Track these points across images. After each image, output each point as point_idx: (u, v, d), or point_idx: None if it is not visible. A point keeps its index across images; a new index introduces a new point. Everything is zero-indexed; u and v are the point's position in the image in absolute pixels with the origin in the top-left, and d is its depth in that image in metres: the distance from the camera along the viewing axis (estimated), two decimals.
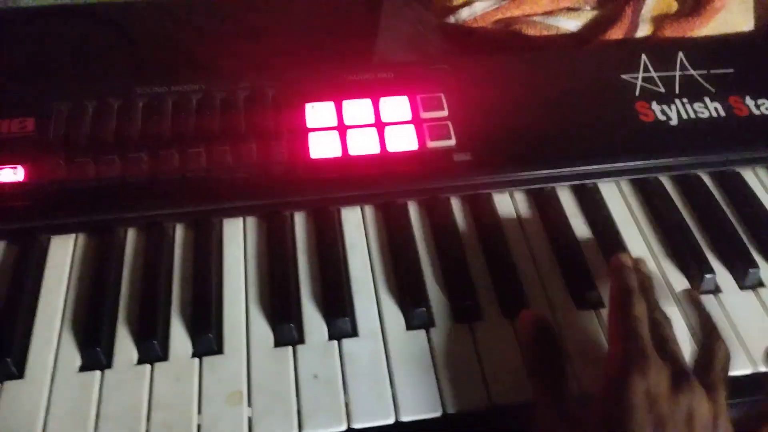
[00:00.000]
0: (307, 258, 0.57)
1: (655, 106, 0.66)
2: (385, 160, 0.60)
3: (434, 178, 0.60)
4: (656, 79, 0.68)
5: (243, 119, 0.62)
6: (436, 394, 0.50)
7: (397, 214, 0.60)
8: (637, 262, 0.55)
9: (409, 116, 0.63)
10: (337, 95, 0.63)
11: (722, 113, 0.66)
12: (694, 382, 0.44)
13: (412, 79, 0.65)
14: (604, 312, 0.55)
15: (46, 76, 0.68)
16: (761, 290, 0.57)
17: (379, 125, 0.62)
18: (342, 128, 0.61)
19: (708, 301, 0.56)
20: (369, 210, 0.61)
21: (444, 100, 0.64)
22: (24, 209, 0.56)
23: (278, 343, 0.52)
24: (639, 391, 0.43)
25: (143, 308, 0.53)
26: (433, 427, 0.49)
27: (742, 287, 0.58)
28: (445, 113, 0.63)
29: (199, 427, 0.48)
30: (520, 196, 0.63)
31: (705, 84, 0.68)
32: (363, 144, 0.61)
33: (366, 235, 0.59)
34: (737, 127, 0.65)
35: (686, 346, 0.52)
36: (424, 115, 0.63)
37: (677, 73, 0.69)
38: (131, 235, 0.58)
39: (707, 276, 0.57)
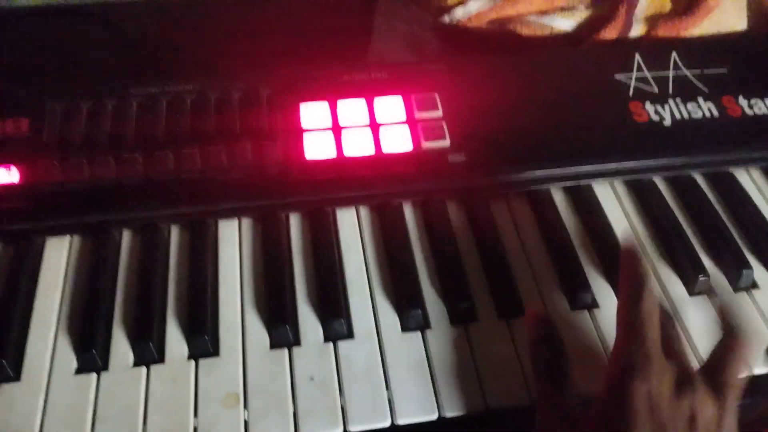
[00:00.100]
0: (302, 259, 0.57)
1: (648, 106, 0.66)
2: (379, 161, 0.60)
3: (429, 179, 0.60)
4: (650, 79, 0.68)
5: (237, 120, 0.61)
6: (432, 396, 0.50)
7: (392, 215, 0.60)
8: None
9: (403, 116, 0.63)
10: (332, 95, 0.63)
11: (716, 113, 0.66)
12: (697, 383, 0.44)
13: (407, 79, 0.65)
14: (598, 312, 0.55)
15: (40, 76, 0.67)
16: (755, 291, 0.58)
17: (374, 126, 0.62)
18: (337, 129, 0.61)
19: (702, 302, 0.56)
20: (364, 211, 0.61)
21: (438, 100, 0.64)
22: (19, 211, 0.56)
23: (274, 345, 0.52)
24: (640, 394, 0.42)
25: (139, 310, 0.53)
26: (429, 430, 0.49)
27: (735, 289, 0.58)
28: (439, 113, 0.63)
29: (195, 429, 0.48)
30: (514, 197, 0.63)
31: (698, 84, 0.68)
32: (358, 145, 0.61)
33: (361, 236, 0.59)
34: (731, 128, 0.65)
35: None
36: (419, 115, 0.63)
37: (671, 73, 0.69)
38: (126, 236, 0.58)
39: (701, 278, 0.57)
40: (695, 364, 0.48)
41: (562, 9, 0.77)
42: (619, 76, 0.69)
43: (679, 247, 0.59)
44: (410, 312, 0.53)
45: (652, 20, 0.75)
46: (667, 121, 0.65)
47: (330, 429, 0.48)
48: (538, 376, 0.49)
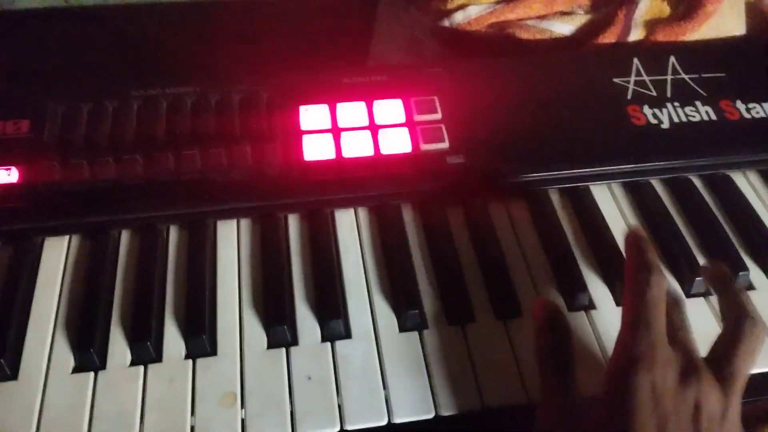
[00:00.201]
0: (300, 260, 0.57)
1: (646, 109, 0.66)
2: (378, 162, 0.61)
3: (427, 181, 0.61)
4: (648, 83, 0.69)
5: (237, 121, 0.62)
6: (429, 395, 0.50)
7: (390, 217, 0.60)
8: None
9: (402, 119, 0.63)
10: (331, 98, 0.64)
11: (713, 117, 0.66)
12: (703, 374, 0.44)
13: (406, 82, 0.66)
14: (596, 314, 0.55)
15: (41, 77, 0.68)
16: (751, 293, 0.58)
17: (373, 128, 0.62)
18: (336, 131, 0.62)
19: (699, 303, 0.57)
20: (362, 212, 0.61)
21: (437, 103, 0.64)
22: (18, 211, 0.56)
23: (271, 345, 0.52)
24: (644, 385, 0.42)
25: (137, 310, 0.53)
26: (425, 429, 0.49)
27: None
28: (438, 116, 0.64)
29: (192, 428, 0.48)
30: (512, 199, 0.63)
31: (696, 88, 0.69)
32: (357, 146, 0.61)
33: (359, 237, 0.59)
34: (728, 131, 0.66)
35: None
36: (418, 118, 0.63)
37: (669, 77, 0.69)
38: (125, 236, 0.58)
39: (698, 279, 0.57)
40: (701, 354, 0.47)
41: (562, 13, 0.77)
42: (617, 80, 0.69)
43: (676, 249, 0.59)
44: (408, 312, 0.53)
45: (651, 25, 0.75)
46: (665, 125, 0.66)
47: (327, 428, 0.48)
48: (542, 368, 0.48)
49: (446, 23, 0.78)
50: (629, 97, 0.67)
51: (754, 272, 0.59)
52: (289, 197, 0.59)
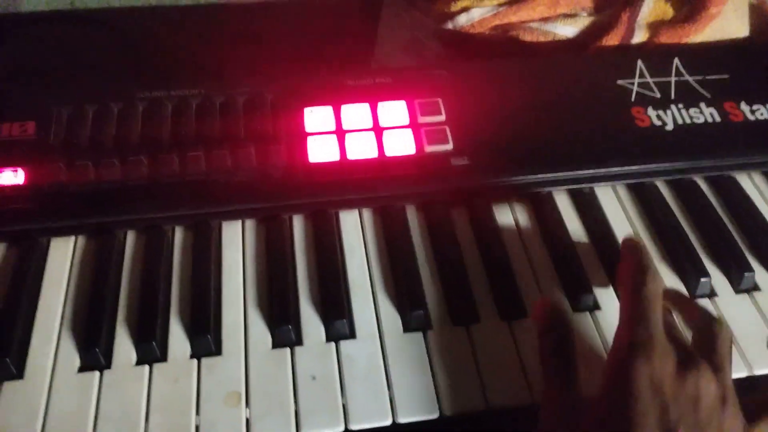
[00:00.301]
0: (305, 260, 0.58)
1: (650, 111, 0.67)
2: (383, 164, 0.61)
3: (432, 182, 0.61)
4: (652, 84, 0.69)
5: (242, 123, 0.62)
6: (434, 396, 0.50)
7: (394, 218, 0.60)
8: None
9: (406, 121, 0.63)
10: (336, 100, 0.64)
11: (718, 119, 0.66)
12: (701, 364, 0.44)
13: (410, 84, 0.66)
14: (600, 315, 0.55)
15: (47, 80, 0.68)
16: (756, 294, 0.58)
17: (377, 129, 0.62)
18: (340, 132, 0.62)
19: (704, 305, 0.57)
20: (367, 213, 0.61)
21: (441, 105, 0.64)
22: (24, 212, 0.56)
23: (276, 345, 0.52)
24: (643, 376, 0.42)
25: (142, 310, 0.53)
26: (430, 429, 0.49)
27: (737, 291, 0.58)
28: (442, 118, 0.64)
29: (197, 428, 0.48)
30: (516, 200, 0.63)
31: (700, 90, 0.69)
32: (361, 148, 0.61)
33: (364, 238, 0.59)
34: (733, 133, 0.66)
35: None
36: (422, 119, 0.63)
37: (673, 79, 0.69)
38: (130, 237, 0.58)
39: (703, 279, 0.57)
40: None
41: (565, 16, 0.77)
42: (621, 82, 0.69)
43: (681, 250, 0.59)
44: (412, 312, 0.53)
45: (654, 27, 0.75)
46: (669, 126, 0.66)
47: (332, 427, 0.48)
48: (545, 367, 0.49)
49: (449, 26, 0.79)
50: (633, 98, 0.67)
51: (760, 273, 0.59)
52: (293, 198, 0.59)
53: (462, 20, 0.78)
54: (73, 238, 0.58)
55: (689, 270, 0.58)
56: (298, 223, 0.60)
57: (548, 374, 0.48)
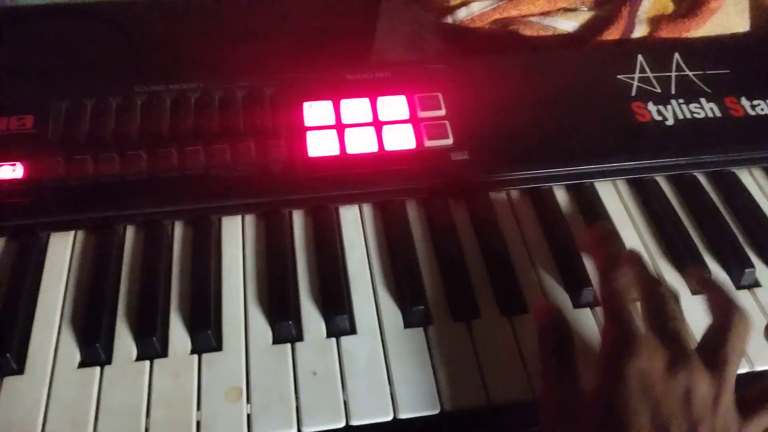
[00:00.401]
0: (305, 256, 0.57)
1: (651, 106, 0.66)
2: (382, 158, 0.61)
3: (432, 177, 0.61)
4: (652, 79, 0.69)
5: (241, 118, 0.62)
6: (434, 391, 0.50)
7: (394, 213, 0.60)
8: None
9: (406, 115, 0.63)
10: (335, 94, 0.64)
11: (718, 114, 0.66)
12: (692, 360, 0.44)
13: (410, 79, 0.66)
14: (600, 310, 0.55)
15: (45, 74, 0.68)
16: (757, 290, 0.58)
17: (377, 124, 0.62)
18: (340, 127, 0.62)
19: (701, 300, 0.56)
20: (367, 208, 0.61)
21: (441, 100, 0.64)
22: (23, 206, 0.56)
23: (277, 341, 0.52)
24: (632, 373, 0.43)
25: (142, 305, 0.53)
26: (430, 425, 0.49)
27: (738, 287, 0.58)
28: (442, 112, 0.64)
29: (198, 423, 0.48)
30: (517, 195, 0.63)
31: (701, 85, 0.69)
32: (361, 143, 0.61)
33: (364, 233, 0.59)
34: (733, 128, 0.66)
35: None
36: (422, 114, 0.63)
37: (673, 74, 0.69)
38: (130, 232, 0.58)
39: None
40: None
41: (565, 10, 0.77)
42: (621, 77, 0.69)
43: (682, 246, 0.59)
44: (413, 308, 0.53)
45: (655, 22, 0.75)
46: (670, 121, 0.66)
47: (332, 423, 0.48)
48: (544, 365, 0.49)
49: (449, 20, 0.78)
50: (633, 93, 0.67)
51: (760, 269, 0.59)
52: (293, 193, 0.59)
53: (462, 14, 0.78)
54: (72, 232, 0.58)
55: (689, 266, 0.58)
56: (297, 218, 0.60)
57: (548, 374, 0.49)
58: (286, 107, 0.63)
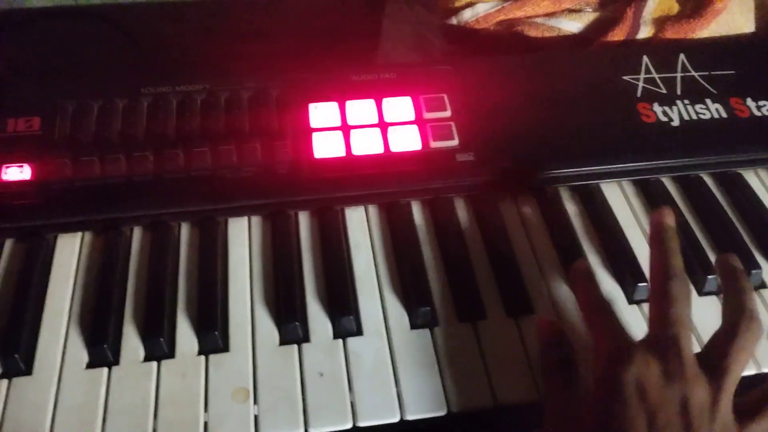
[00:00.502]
0: (311, 257, 0.58)
1: (656, 107, 0.66)
2: (388, 160, 0.61)
3: (437, 178, 0.61)
4: (658, 80, 0.69)
5: (247, 119, 0.62)
6: (441, 393, 0.50)
7: (400, 214, 0.60)
8: None
9: (412, 117, 0.63)
10: (341, 96, 0.64)
11: (724, 114, 0.66)
12: (688, 368, 0.43)
13: (415, 80, 0.66)
14: None
15: (52, 76, 0.68)
16: (764, 292, 0.58)
17: (383, 125, 0.62)
18: (345, 128, 0.62)
19: (711, 302, 0.57)
20: (373, 209, 0.61)
21: (447, 101, 0.64)
22: (31, 208, 0.56)
23: (283, 342, 0.52)
24: (629, 381, 0.43)
25: (149, 306, 0.53)
26: (437, 426, 0.50)
27: None
28: (448, 114, 0.64)
29: (205, 424, 0.48)
30: (522, 196, 0.63)
31: (706, 85, 0.69)
32: (366, 144, 0.61)
33: (370, 234, 0.59)
34: (739, 129, 0.66)
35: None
36: (427, 115, 0.63)
37: (678, 75, 0.69)
38: (137, 233, 0.58)
39: (710, 277, 0.57)
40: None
41: (570, 11, 0.77)
42: (627, 78, 0.69)
43: (688, 247, 0.59)
44: (419, 309, 0.53)
45: (660, 22, 0.75)
46: (675, 122, 0.66)
47: (339, 424, 0.48)
48: (547, 378, 0.50)
49: (454, 21, 0.79)
50: (639, 94, 0.67)
51: (767, 270, 0.59)
52: (299, 194, 0.59)
53: (466, 15, 0.78)
54: (79, 234, 0.58)
55: (696, 267, 0.58)
56: (303, 220, 0.60)
57: (551, 387, 0.49)
58: (292, 108, 0.63)
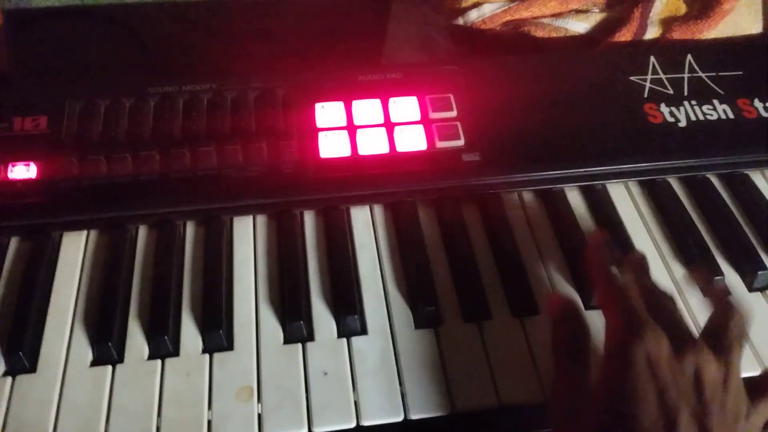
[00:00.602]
0: (316, 256, 0.58)
1: (663, 107, 0.66)
2: (394, 159, 0.61)
3: (443, 178, 0.61)
4: (665, 81, 0.68)
5: (253, 119, 0.62)
6: (445, 392, 0.50)
7: (405, 214, 0.60)
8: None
9: (418, 116, 0.63)
10: (347, 95, 0.64)
11: (731, 115, 0.66)
12: (698, 344, 0.44)
13: (421, 80, 0.66)
14: None
15: (59, 75, 0.68)
16: None
17: (389, 125, 0.62)
18: (351, 128, 0.62)
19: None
20: (378, 209, 0.61)
21: (453, 101, 0.64)
22: (37, 206, 0.56)
23: (288, 341, 0.52)
24: (639, 357, 0.42)
25: (154, 304, 0.53)
26: (441, 426, 0.49)
27: (751, 289, 0.58)
28: (453, 114, 0.64)
29: (209, 422, 0.48)
30: (528, 197, 0.63)
31: (714, 86, 0.68)
32: (372, 144, 0.61)
33: (375, 234, 0.59)
34: (746, 130, 0.65)
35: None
36: (433, 115, 0.63)
37: (686, 75, 0.69)
38: (142, 232, 0.59)
39: (716, 278, 0.57)
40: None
41: (577, 12, 0.77)
42: (634, 78, 0.69)
43: (694, 248, 0.59)
44: (424, 309, 0.53)
45: (667, 23, 0.75)
46: (683, 123, 0.65)
47: (343, 423, 0.48)
48: (556, 354, 0.49)
49: (460, 21, 0.78)
50: (646, 95, 0.67)
51: None
52: (304, 194, 0.59)
53: (473, 16, 0.78)
54: (85, 232, 0.58)
55: (702, 267, 0.57)
56: (309, 219, 0.60)
57: (559, 363, 0.48)
58: (298, 108, 0.63)
